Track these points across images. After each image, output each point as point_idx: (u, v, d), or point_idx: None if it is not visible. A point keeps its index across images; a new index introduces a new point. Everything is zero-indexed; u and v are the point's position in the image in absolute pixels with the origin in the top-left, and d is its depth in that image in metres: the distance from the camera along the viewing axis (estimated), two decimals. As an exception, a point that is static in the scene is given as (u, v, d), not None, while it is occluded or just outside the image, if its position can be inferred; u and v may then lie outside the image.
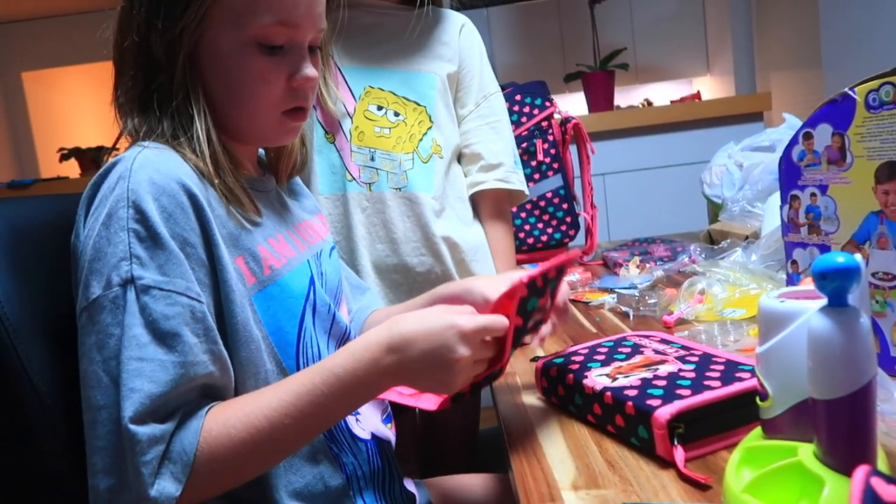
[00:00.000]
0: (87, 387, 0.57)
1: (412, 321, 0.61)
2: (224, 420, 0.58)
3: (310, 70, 0.71)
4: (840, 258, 0.45)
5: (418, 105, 1.09)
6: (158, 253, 0.58)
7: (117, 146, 0.72)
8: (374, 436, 0.80)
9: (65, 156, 3.41)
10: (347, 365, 0.60)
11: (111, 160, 0.63)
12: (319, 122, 1.08)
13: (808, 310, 0.49)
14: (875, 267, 0.70)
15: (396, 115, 1.08)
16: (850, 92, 0.71)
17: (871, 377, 0.45)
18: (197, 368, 0.58)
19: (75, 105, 6.03)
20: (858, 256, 0.46)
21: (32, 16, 5.45)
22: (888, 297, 0.69)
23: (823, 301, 0.46)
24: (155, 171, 0.60)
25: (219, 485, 0.59)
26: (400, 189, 1.07)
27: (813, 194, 0.77)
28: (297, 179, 0.88)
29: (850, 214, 0.73)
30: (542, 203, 1.56)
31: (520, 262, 1.43)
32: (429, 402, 0.72)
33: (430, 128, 1.10)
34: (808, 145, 0.77)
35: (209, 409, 0.59)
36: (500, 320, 0.62)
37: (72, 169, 3.60)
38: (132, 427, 0.54)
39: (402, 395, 0.74)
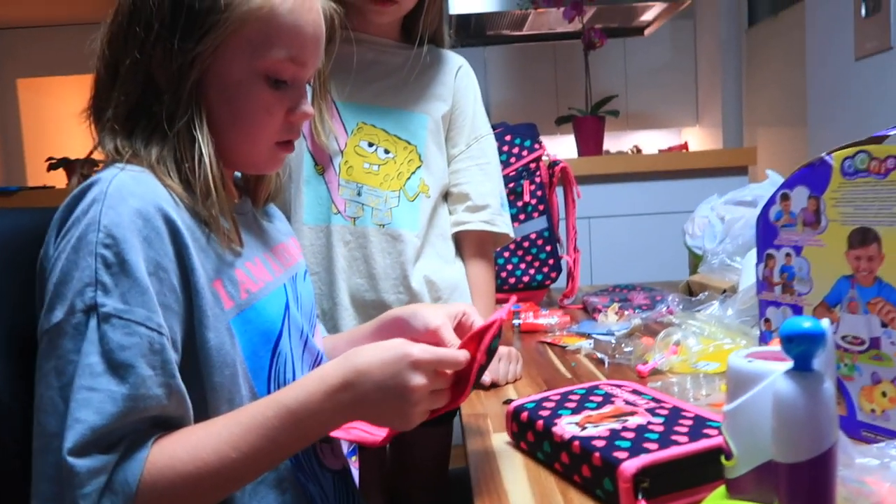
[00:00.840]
0: (42, 412, 0.56)
1: (366, 354, 0.62)
2: (171, 452, 0.57)
3: (308, 107, 0.73)
4: (806, 323, 0.46)
5: (409, 144, 1.10)
6: (123, 280, 0.57)
7: (92, 161, 0.72)
8: (341, 465, 0.80)
9: (53, 165, 3.38)
10: (300, 398, 0.60)
11: (87, 181, 0.62)
12: (310, 154, 1.08)
13: (773, 372, 0.50)
14: (845, 331, 0.71)
15: (387, 152, 1.09)
16: (826, 157, 0.73)
17: (832, 443, 0.46)
18: (148, 401, 0.57)
19: (68, 115, 6.02)
20: (826, 321, 0.47)
21: (32, 23, 5.47)
22: (857, 361, 0.70)
23: (790, 364, 0.47)
24: (131, 194, 0.60)
25: None
26: (384, 226, 1.08)
27: (788, 254, 0.79)
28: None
29: (822, 277, 0.74)
30: (526, 244, 1.57)
31: (500, 301, 1.43)
32: (376, 435, 0.73)
33: (418, 167, 1.11)
34: (785, 206, 0.79)
35: (156, 439, 0.58)
36: (455, 355, 0.63)
37: (59, 179, 3.57)
38: (70, 459, 0.54)
39: (347, 430, 0.74)
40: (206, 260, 0.65)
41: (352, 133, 1.09)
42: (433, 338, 0.74)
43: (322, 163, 1.08)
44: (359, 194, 1.08)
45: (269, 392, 0.70)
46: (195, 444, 0.58)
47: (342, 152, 1.08)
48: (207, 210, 0.66)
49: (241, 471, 0.60)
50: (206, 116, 0.67)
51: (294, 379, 0.74)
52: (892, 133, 0.70)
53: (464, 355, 0.64)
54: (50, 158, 3.41)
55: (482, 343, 0.65)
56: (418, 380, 0.61)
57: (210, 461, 0.57)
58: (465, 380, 0.65)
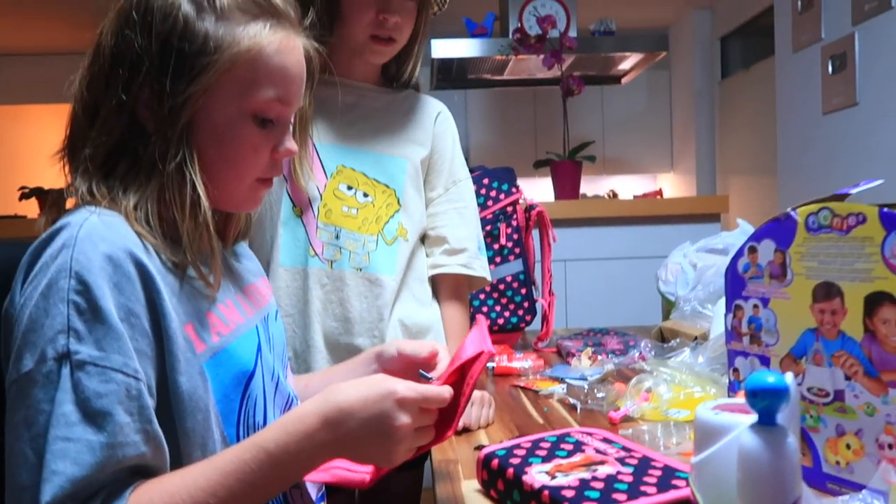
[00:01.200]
0: (13, 464, 0.55)
1: (348, 391, 0.61)
2: (147, 500, 0.56)
3: (292, 143, 0.74)
4: (770, 378, 0.47)
5: (388, 188, 1.12)
6: (97, 327, 0.57)
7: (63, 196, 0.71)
8: None
9: (25, 194, 3.35)
10: (279, 440, 0.59)
11: (55, 225, 0.62)
12: (289, 196, 1.09)
13: (739, 425, 0.51)
14: (810, 382, 0.72)
15: (365, 195, 1.10)
16: (791, 213, 0.75)
17: (796, 497, 0.47)
18: (127, 449, 0.56)
19: (44, 144, 5.97)
20: (790, 375, 0.48)
21: (7, 51, 5.45)
22: (822, 413, 0.71)
23: (754, 417, 0.48)
24: (101, 239, 0.59)
25: None
26: (361, 269, 1.08)
27: (756, 306, 0.80)
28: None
29: (789, 329, 0.76)
30: (502, 286, 1.58)
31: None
32: (360, 473, 0.73)
33: (397, 211, 1.12)
34: (753, 258, 0.81)
35: (135, 488, 0.57)
36: (439, 391, 0.63)
37: (30, 208, 3.53)
38: None
39: (328, 470, 0.73)
40: (178, 304, 0.64)
41: (331, 176, 1.10)
42: (404, 361, 0.78)
43: (301, 205, 1.09)
44: (337, 237, 1.08)
45: (238, 436, 0.69)
46: (172, 492, 0.57)
47: (321, 195, 1.09)
48: (189, 253, 0.66)
49: None
50: (198, 160, 0.67)
51: (265, 422, 0.73)
52: (853, 192, 0.73)
53: (448, 392, 0.64)
54: (23, 188, 3.38)
55: (471, 376, 0.65)
56: (404, 418, 0.60)
57: None
58: (450, 416, 0.65)
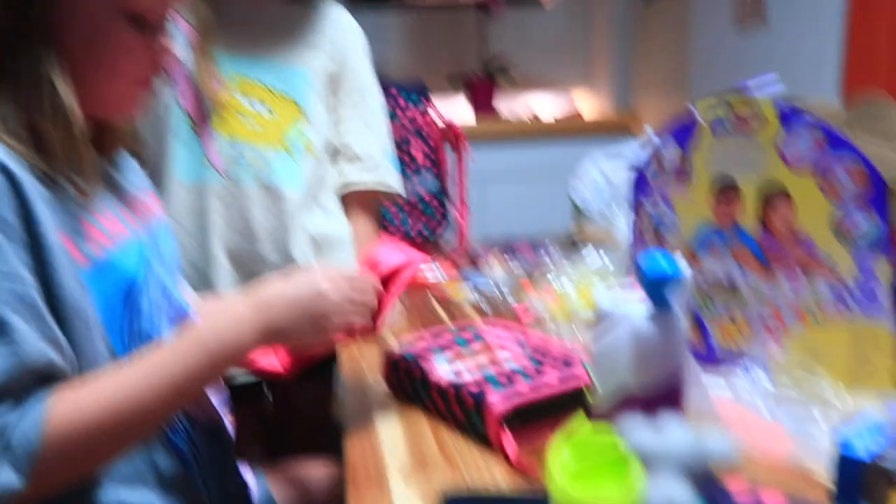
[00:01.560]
0: None
1: (274, 280, 0.67)
2: (74, 398, 0.55)
3: (170, 43, 0.69)
4: (664, 264, 0.48)
5: (290, 98, 1.06)
6: None
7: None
8: (212, 420, 0.77)
9: None
10: (211, 326, 0.62)
11: None
12: (182, 108, 1.02)
13: (634, 312, 0.52)
14: (707, 273, 0.76)
15: (266, 106, 1.04)
16: (695, 113, 0.76)
17: (678, 365, 0.49)
18: (34, 357, 0.54)
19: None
20: (683, 262, 0.49)
21: None
22: (716, 300, 0.75)
23: (649, 303, 0.49)
24: None
25: (70, 469, 0.56)
26: (264, 183, 1.03)
27: (658, 205, 0.82)
28: (123, 152, 0.82)
29: (689, 224, 0.78)
30: (414, 200, 1.56)
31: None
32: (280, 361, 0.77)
33: (301, 122, 1.06)
34: (658, 161, 0.82)
35: (54, 391, 0.55)
36: (365, 274, 0.70)
37: None
38: None
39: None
40: (52, 214, 0.60)
41: (229, 87, 1.02)
42: None
43: (196, 118, 1.02)
44: (236, 151, 1.02)
45: (125, 348, 0.66)
46: (101, 388, 0.56)
47: (218, 107, 1.02)
48: (60, 162, 0.61)
49: (154, 411, 0.59)
50: (61, 60, 0.61)
51: (155, 334, 0.70)
52: (755, 92, 0.74)
53: (371, 277, 0.70)
54: None
55: (401, 280, 0.72)
56: (331, 289, 0.65)
57: (121, 405, 0.56)
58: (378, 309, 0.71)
